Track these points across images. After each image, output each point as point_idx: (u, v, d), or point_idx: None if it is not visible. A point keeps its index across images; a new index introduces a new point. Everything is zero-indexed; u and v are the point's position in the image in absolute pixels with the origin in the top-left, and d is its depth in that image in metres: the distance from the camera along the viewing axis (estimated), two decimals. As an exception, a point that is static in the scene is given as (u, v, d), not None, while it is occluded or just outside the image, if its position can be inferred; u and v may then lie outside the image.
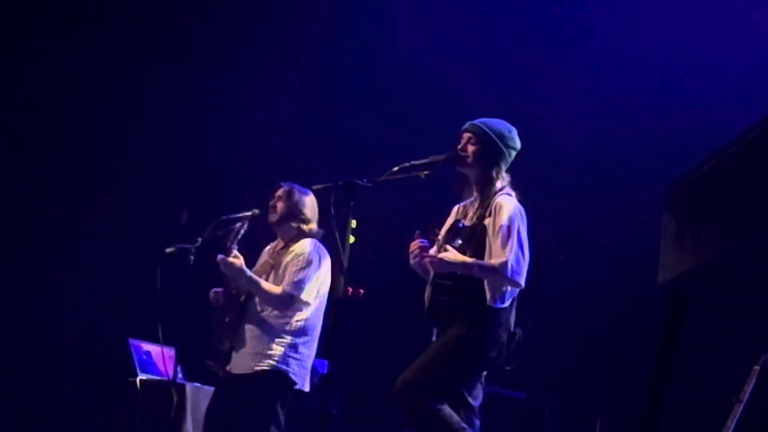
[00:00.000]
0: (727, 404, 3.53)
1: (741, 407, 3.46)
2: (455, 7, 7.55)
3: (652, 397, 2.34)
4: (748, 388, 3.47)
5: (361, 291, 6.05)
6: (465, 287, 4.40)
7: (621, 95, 7.53)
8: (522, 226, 4.42)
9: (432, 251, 4.48)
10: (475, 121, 4.62)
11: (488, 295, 4.37)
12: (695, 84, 7.25)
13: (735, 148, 1.88)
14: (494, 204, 4.45)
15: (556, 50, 7.57)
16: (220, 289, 5.50)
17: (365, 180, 4.36)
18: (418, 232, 4.54)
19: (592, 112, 7.60)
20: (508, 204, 4.43)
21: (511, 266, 4.31)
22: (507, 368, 4.46)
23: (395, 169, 4.45)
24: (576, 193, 7.99)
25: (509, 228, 4.36)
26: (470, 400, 4.50)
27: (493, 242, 4.39)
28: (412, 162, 4.49)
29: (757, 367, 3.50)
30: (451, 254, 4.39)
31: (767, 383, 3.46)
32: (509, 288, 4.38)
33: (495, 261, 4.35)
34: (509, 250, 4.33)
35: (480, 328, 4.37)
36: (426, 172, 4.48)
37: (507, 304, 4.40)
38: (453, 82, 7.81)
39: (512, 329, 4.45)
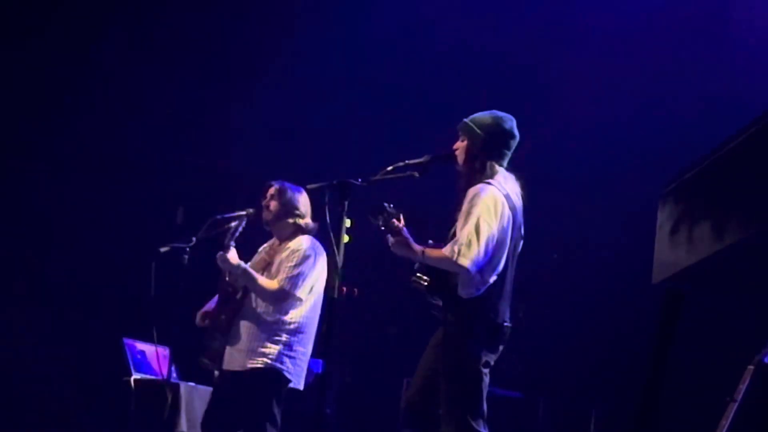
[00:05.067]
0: (722, 403, 3.52)
1: (735, 407, 3.46)
2: (450, 5, 7.55)
3: (646, 396, 2.34)
4: (743, 388, 3.47)
5: (356, 290, 6.03)
6: (439, 277, 4.41)
7: (617, 93, 7.54)
8: (487, 214, 4.32)
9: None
10: (466, 119, 4.60)
11: (459, 287, 4.36)
12: (692, 82, 7.26)
13: (730, 146, 1.88)
14: (467, 195, 4.42)
15: (552, 49, 7.58)
16: (208, 312, 5.49)
17: (359, 179, 4.36)
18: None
19: (587, 111, 7.60)
20: (477, 192, 4.38)
21: (458, 250, 4.27)
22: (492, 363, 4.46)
23: (389, 168, 4.45)
24: (570, 192, 7.98)
25: (469, 215, 4.32)
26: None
27: (457, 231, 4.38)
28: (407, 161, 4.49)
29: (751, 367, 3.49)
30: (404, 240, 4.41)
31: (761, 382, 3.46)
32: (477, 276, 4.33)
33: (447, 247, 4.33)
34: (462, 235, 4.30)
35: (456, 320, 4.37)
36: (420, 171, 4.48)
37: (480, 293, 4.36)
38: (448, 81, 7.81)
39: (497, 321, 4.40)
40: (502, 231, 4.37)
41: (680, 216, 2.28)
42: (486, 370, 4.41)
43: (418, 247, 4.40)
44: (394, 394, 7.69)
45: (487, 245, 4.31)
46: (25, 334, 8.23)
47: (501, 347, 4.46)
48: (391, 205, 4.48)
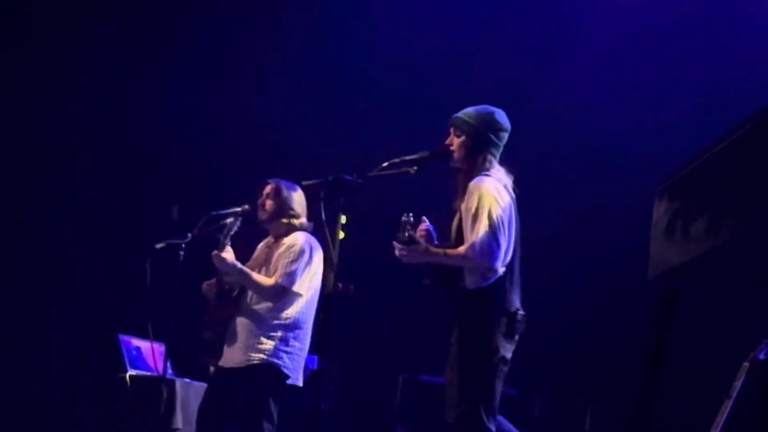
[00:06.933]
0: (717, 400, 3.53)
1: (730, 403, 3.46)
2: (449, 5, 7.56)
3: (642, 393, 2.34)
4: (738, 384, 3.47)
5: (351, 287, 6.03)
6: (446, 273, 4.39)
7: (614, 91, 7.54)
8: (495, 205, 4.31)
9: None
10: (458, 113, 4.59)
11: (466, 278, 4.33)
12: (691, 80, 7.26)
13: (726, 143, 1.88)
14: (468, 189, 4.41)
15: (547, 42, 7.58)
16: (213, 281, 5.50)
17: (355, 175, 4.36)
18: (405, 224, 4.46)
19: (584, 107, 7.60)
20: (478, 185, 4.37)
21: (479, 248, 4.25)
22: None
23: (385, 164, 4.45)
24: (565, 188, 7.98)
25: (477, 209, 4.30)
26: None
27: (466, 228, 4.35)
28: (402, 157, 4.49)
29: (746, 363, 3.50)
30: (419, 246, 4.38)
31: (757, 379, 3.47)
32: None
33: (463, 247, 4.31)
34: (477, 232, 4.28)
35: (469, 314, 4.34)
36: (416, 168, 4.48)
37: (490, 282, 4.32)
38: (443, 75, 7.81)
39: (511, 309, 4.36)
40: (509, 220, 4.37)
41: (676, 213, 2.28)
42: (504, 367, 4.36)
43: (437, 250, 4.38)
44: (389, 390, 7.70)
45: (504, 236, 4.30)
46: (20, 330, 8.22)
47: (517, 337, 4.40)
48: (410, 215, 4.47)
